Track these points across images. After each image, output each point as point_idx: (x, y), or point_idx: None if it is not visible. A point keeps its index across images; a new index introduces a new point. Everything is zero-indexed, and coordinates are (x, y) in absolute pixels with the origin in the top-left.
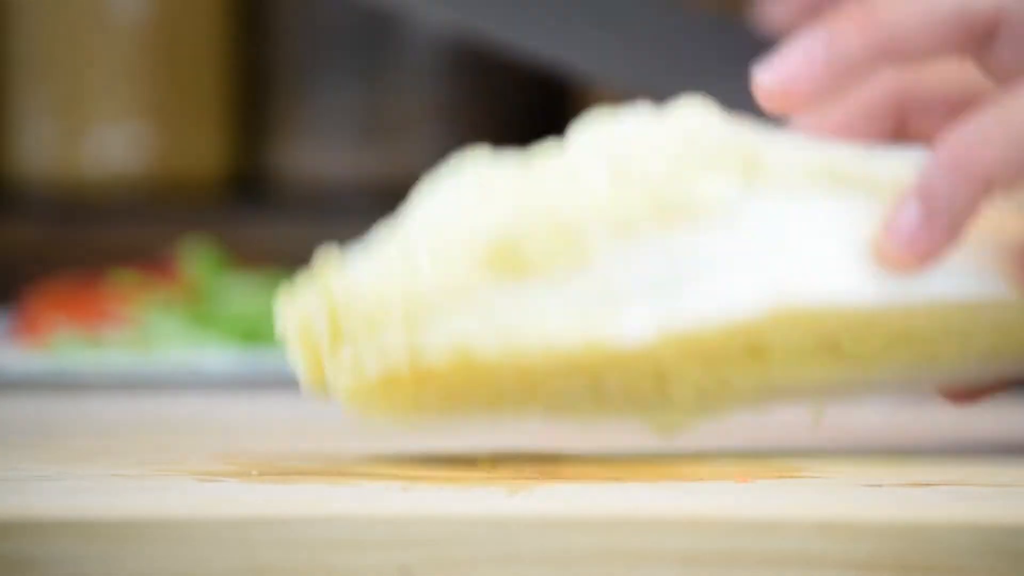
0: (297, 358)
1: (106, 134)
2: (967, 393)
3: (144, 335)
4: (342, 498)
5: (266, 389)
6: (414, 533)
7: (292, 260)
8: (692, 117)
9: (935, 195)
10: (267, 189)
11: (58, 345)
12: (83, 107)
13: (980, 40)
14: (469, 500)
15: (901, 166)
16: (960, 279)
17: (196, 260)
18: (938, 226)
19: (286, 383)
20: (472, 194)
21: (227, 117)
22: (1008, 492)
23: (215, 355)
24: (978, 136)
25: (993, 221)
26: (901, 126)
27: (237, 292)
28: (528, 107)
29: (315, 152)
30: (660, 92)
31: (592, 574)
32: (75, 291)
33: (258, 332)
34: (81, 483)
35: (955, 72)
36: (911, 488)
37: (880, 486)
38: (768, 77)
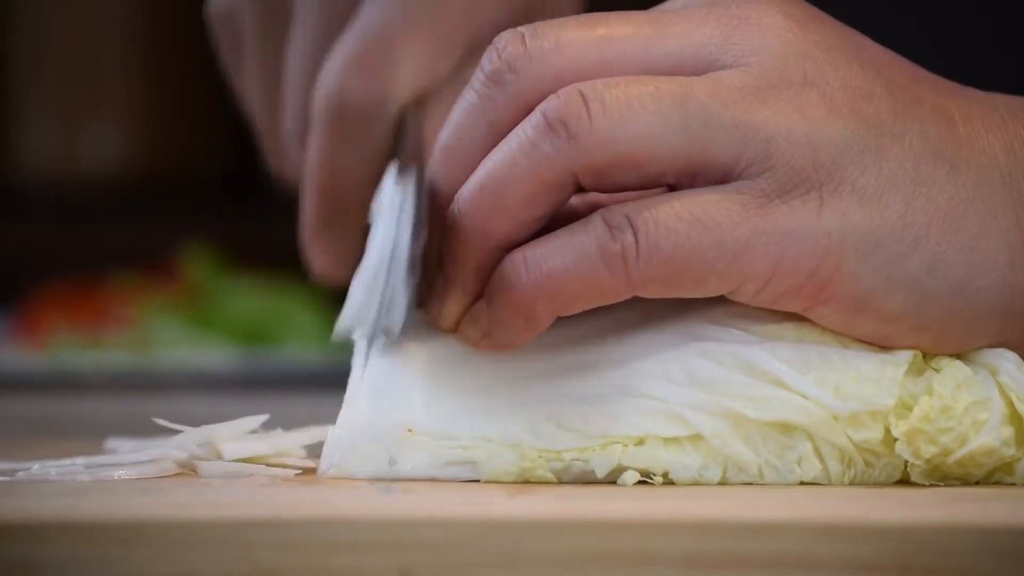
0: None
1: (106, 135)
2: None
3: (144, 335)
4: (343, 500)
5: (266, 389)
6: (415, 535)
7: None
8: None
9: (445, 260)
10: (267, 189)
11: (58, 345)
12: (83, 108)
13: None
14: (469, 502)
15: None
16: None
17: (196, 260)
18: (452, 286)
19: (286, 383)
20: None
21: (226, 117)
22: (1008, 494)
23: (215, 355)
24: (460, 200)
25: None
26: None
27: (237, 292)
28: None
29: None
30: None
31: (591, 575)
32: (75, 291)
33: (258, 332)
34: (81, 483)
35: None
36: (911, 489)
37: (881, 487)
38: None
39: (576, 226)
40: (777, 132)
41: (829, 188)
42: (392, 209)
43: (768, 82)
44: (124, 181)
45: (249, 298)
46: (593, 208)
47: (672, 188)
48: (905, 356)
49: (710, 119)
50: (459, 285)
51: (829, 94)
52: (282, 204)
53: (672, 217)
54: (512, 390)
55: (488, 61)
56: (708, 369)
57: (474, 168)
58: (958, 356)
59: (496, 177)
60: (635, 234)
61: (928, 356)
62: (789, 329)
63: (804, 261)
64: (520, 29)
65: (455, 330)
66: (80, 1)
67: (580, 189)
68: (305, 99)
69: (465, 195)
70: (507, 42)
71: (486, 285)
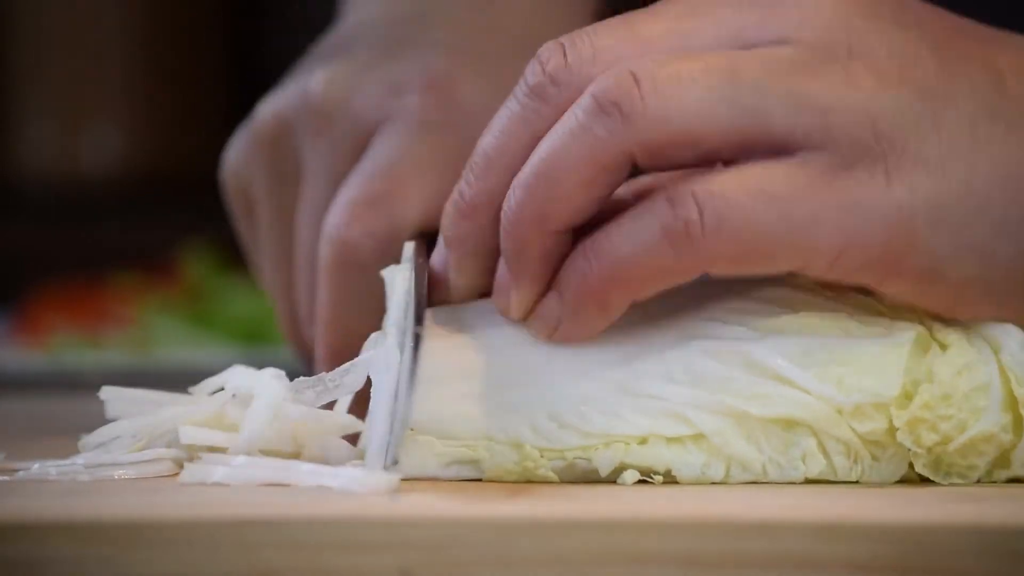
0: None
1: (106, 135)
2: None
3: (144, 335)
4: (343, 500)
5: None
6: (415, 535)
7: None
8: None
9: (507, 250)
10: None
11: (58, 345)
12: (83, 108)
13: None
14: (469, 502)
15: None
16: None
17: (196, 260)
18: (519, 274)
19: None
20: None
21: (226, 117)
22: (1008, 494)
23: (215, 355)
24: (517, 190)
25: None
26: None
27: (237, 292)
28: None
29: None
30: None
31: (591, 575)
32: (75, 291)
33: (258, 332)
34: (81, 483)
35: None
36: (912, 489)
37: (881, 487)
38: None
39: (640, 208)
40: (833, 103)
41: (893, 159)
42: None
43: (814, 56)
44: (124, 181)
45: (249, 298)
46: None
47: (729, 165)
48: (908, 336)
49: (763, 91)
50: (526, 274)
51: (876, 64)
52: None
53: (738, 190)
54: (514, 389)
55: (532, 74)
56: (710, 367)
57: (511, 178)
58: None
59: (552, 163)
60: (700, 210)
61: (934, 329)
62: (789, 322)
63: (876, 235)
64: (561, 40)
65: (522, 320)
66: (80, 1)
67: (635, 169)
68: (315, 256)
69: (521, 184)
70: (550, 55)
71: (552, 272)
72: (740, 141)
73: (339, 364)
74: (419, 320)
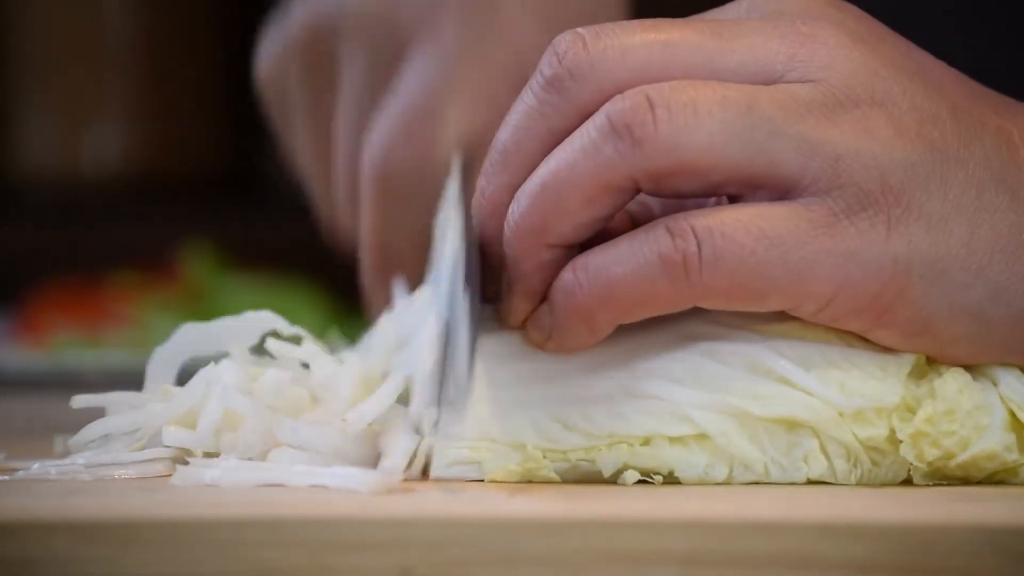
0: None
1: (106, 134)
2: None
3: (144, 335)
4: (343, 499)
5: None
6: (415, 535)
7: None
8: None
9: (509, 259)
10: (266, 189)
11: (58, 345)
12: (83, 108)
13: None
14: (469, 502)
15: None
16: None
17: (196, 260)
18: (517, 284)
19: None
20: None
21: (226, 117)
22: (1009, 493)
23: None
24: (521, 200)
25: None
26: None
27: (237, 292)
28: None
29: None
30: None
31: (592, 575)
32: (75, 291)
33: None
34: (81, 483)
35: None
36: (912, 489)
37: (882, 487)
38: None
39: (638, 233)
40: (846, 151)
41: (896, 212)
42: (447, 265)
43: (836, 100)
44: (124, 181)
45: (249, 298)
46: (653, 215)
47: (733, 199)
48: (908, 357)
49: (777, 131)
50: (520, 284)
51: (896, 116)
52: (282, 204)
53: (738, 229)
54: (517, 390)
55: (548, 65)
56: (713, 368)
57: (529, 172)
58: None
59: (558, 177)
60: (699, 244)
61: (931, 361)
62: (793, 328)
63: (869, 284)
64: (581, 31)
65: (516, 328)
66: (81, 1)
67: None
68: (354, 161)
69: (526, 194)
70: (568, 46)
71: (547, 284)
72: (747, 178)
73: (383, 260)
74: (469, 270)
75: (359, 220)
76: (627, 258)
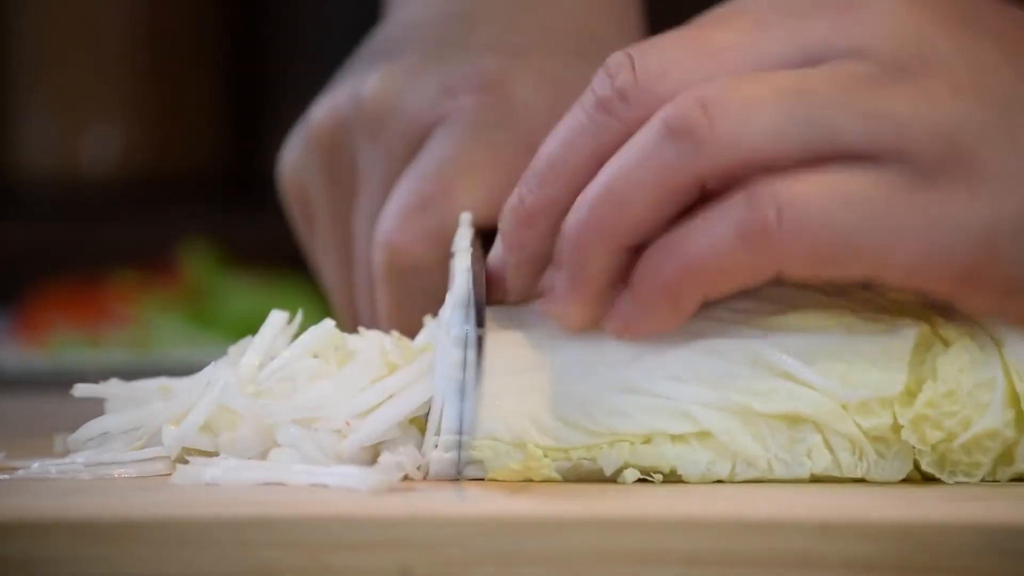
0: None
1: (106, 134)
2: None
3: (144, 334)
4: (343, 499)
5: None
6: (415, 535)
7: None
8: None
9: (568, 263)
10: (266, 189)
11: (58, 344)
12: (83, 107)
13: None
14: (469, 502)
15: None
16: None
17: (196, 259)
18: (579, 288)
19: None
20: None
21: (226, 117)
22: (1009, 493)
23: (215, 354)
24: (582, 207)
25: None
26: None
27: (236, 291)
28: None
29: None
30: None
31: (592, 574)
32: (75, 290)
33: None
34: (81, 482)
35: None
36: (913, 488)
37: (882, 486)
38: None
39: (717, 205)
40: (908, 118)
41: (973, 175)
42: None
43: (887, 69)
44: (124, 181)
45: (248, 297)
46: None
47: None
48: (911, 333)
49: (835, 109)
50: (585, 288)
51: (951, 75)
52: (282, 204)
53: (819, 193)
54: (518, 389)
55: (600, 87)
56: (714, 365)
57: (578, 189)
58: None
59: (621, 183)
60: (779, 210)
61: (937, 325)
62: (793, 320)
63: (958, 250)
64: (629, 52)
65: (580, 330)
66: (80, 2)
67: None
68: (371, 262)
69: (588, 201)
70: (618, 68)
71: (613, 286)
72: (813, 159)
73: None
74: (480, 322)
75: (377, 312)
76: (708, 231)
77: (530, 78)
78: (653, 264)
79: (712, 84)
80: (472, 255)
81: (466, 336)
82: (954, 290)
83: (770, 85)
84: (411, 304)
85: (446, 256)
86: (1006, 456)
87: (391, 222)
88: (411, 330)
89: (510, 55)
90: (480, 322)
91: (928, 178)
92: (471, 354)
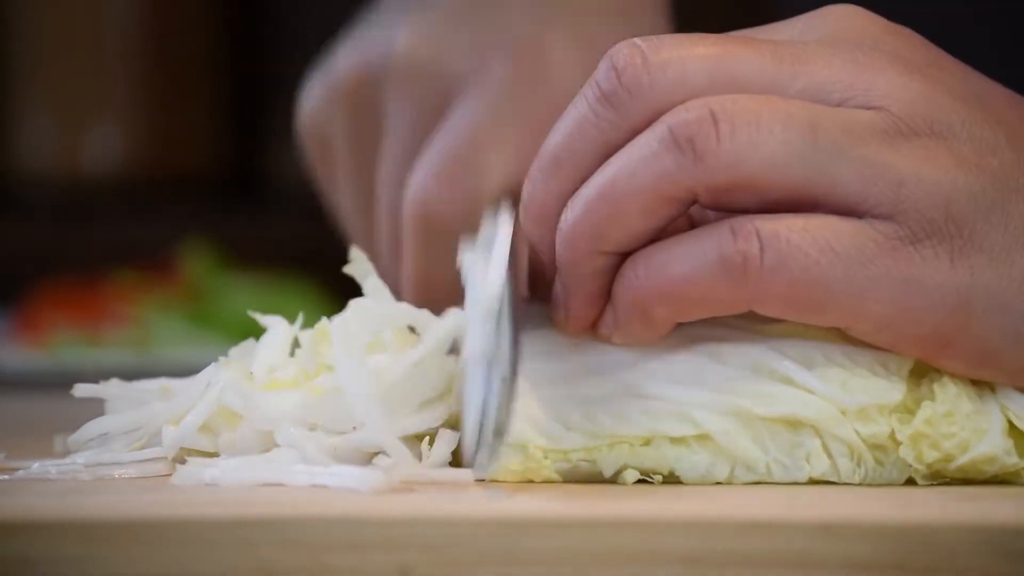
0: None
1: (106, 134)
2: None
3: (144, 334)
4: (343, 499)
5: None
6: (415, 534)
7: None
8: None
9: (562, 263)
10: (266, 189)
11: (58, 344)
12: (83, 107)
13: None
14: (469, 501)
15: None
16: None
17: (196, 259)
18: (573, 291)
19: None
20: None
21: (226, 117)
22: (1009, 493)
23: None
24: (578, 206)
25: None
26: None
27: (236, 291)
28: None
29: None
30: None
31: (592, 574)
32: (75, 290)
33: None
34: (81, 482)
35: None
36: (911, 489)
37: (881, 487)
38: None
39: (701, 231)
40: (908, 177)
41: (959, 242)
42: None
43: (897, 128)
44: (124, 181)
45: (249, 297)
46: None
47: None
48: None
49: (839, 153)
50: (577, 291)
51: (956, 146)
52: (282, 204)
53: (804, 238)
54: (518, 391)
55: (606, 79)
56: (715, 369)
57: (581, 182)
58: None
59: (616, 186)
60: (762, 247)
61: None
62: (793, 329)
63: (930, 313)
64: (641, 45)
65: (577, 335)
66: (80, 1)
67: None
68: (397, 209)
69: (582, 201)
70: (627, 62)
71: (606, 289)
72: (807, 198)
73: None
74: (514, 323)
75: (401, 263)
76: (688, 255)
77: (565, 42)
78: (630, 278)
79: (726, 98)
80: (508, 254)
81: (496, 342)
82: (924, 351)
83: (783, 112)
84: (437, 263)
85: (476, 217)
86: (1011, 476)
87: (423, 182)
88: (433, 286)
89: (546, 16)
90: (515, 323)
91: (914, 238)
92: (506, 353)
